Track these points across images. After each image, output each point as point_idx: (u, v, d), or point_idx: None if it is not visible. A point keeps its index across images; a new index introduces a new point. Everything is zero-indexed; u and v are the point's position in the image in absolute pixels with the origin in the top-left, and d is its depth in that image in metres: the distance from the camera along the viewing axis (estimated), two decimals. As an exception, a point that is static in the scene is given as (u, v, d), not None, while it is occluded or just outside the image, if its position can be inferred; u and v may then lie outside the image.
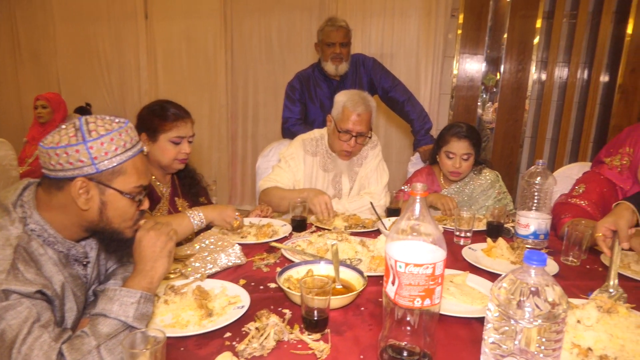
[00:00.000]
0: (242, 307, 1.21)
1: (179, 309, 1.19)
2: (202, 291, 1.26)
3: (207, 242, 1.59)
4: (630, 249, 1.53)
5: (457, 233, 1.83)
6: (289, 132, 2.75)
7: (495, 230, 1.88)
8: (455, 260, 1.65)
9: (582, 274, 1.60)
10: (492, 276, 1.49)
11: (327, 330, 1.12)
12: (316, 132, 2.37)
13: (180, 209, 1.90)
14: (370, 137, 2.24)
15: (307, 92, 2.84)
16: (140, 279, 1.04)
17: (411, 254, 0.89)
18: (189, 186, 1.98)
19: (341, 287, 1.32)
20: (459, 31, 3.87)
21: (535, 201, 1.81)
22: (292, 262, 1.48)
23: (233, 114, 4.83)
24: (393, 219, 1.92)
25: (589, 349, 1.05)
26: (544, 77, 3.99)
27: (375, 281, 1.42)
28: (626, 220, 1.40)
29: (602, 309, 1.11)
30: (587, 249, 1.69)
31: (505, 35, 3.82)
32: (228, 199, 5.05)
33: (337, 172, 2.30)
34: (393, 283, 0.92)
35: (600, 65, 3.74)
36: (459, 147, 2.18)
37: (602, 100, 3.85)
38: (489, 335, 0.83)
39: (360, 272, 1.35)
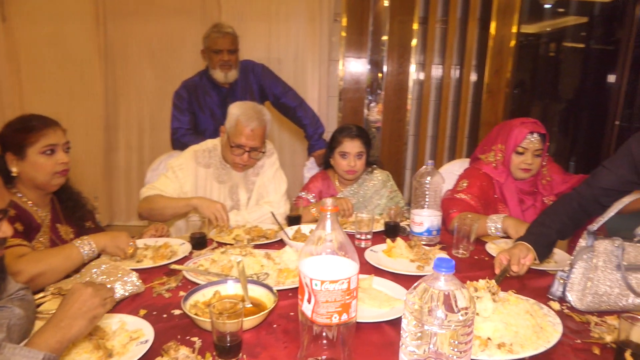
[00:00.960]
0: (146, 341, 1.12)
1: (72, 353, 1.07)
2: (98, 329, 1.14)
3: (97, 271, 1.45)
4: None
5: (358, 236, 1.87)
6: (179, 143, 2.62)
7: (392, 230, 1.96)
8: (359, 263, 1.69)
9: (472, 265, 1.72)
10: (395, 277, 1.54)
11: (242, 355, 1.08)
12: (209, 143, 2.29)
13: (64, 236, 1.72)
14: (264, 152, 2.22)
15: (196, 101, 2.73)
16: (50, 335, 0.92)
17: (326, 271, 0.88)
18: (72, 210, 1.80)
19: (251, 305, 1.28)
20: (343, 33, 3.98)
21: (427, 199, 1.91)
22: (196, 284, 1.41)
23: (113, 124, 4.50)
24: (295, 227, 1.92)
25: (488, 338, 1.13)
26: (422, 77, 4.25)
27: (285, 295, 1.39)
28: (519, 251, 1.57)
29: (496, 299, 1.20)
30: (474, 240, 1.83)
31: (386, 38, 4.02)
32: (111, 216, 4.70)
33: (233, 184, 2.24)
34: (309, 301, 0.90)
35: (470, 66, 4.09)
36: (352, 147, 2.25)
37: (473, 99, 4.21)
38: (405, 343, 0.85)
39: (269, 288, 1.32)
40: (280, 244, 1.84)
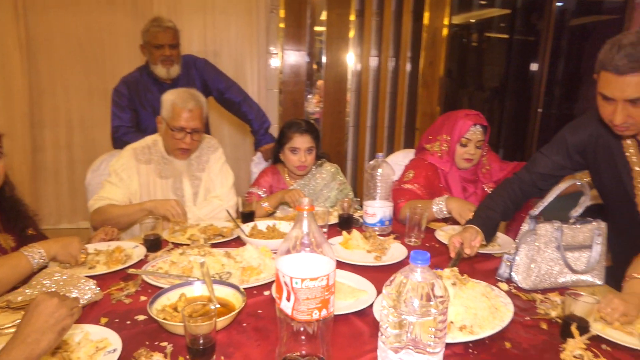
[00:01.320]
0: (114, 350, 1.08)
1: (37, 370, 1.02)
2: (61, 342, 1.10)
3: (48, 282, 1.38)
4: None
5: (314, 229, 1.90)
6: (120, 141, 2.52)
7: (346, 222, 2.01)
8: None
9: (425, 252, 1.80)
10: (355, 268, 1.59)
11: (215, 357, 1.08)
12: (148, 139, 2.22)
13: (3, 245, 1.61)
14: (204, 134, 2.20)
15: (137, 97, 2.63)
16: (18, 353, 0.86)
17: (305, 269, 0.90)
18: (11, 216, 1.69)
19: (219, 306, 1.28)
20: (281, 25, 3.97)
21: (379, 191, 1.97)
22: (158, 288, 1.38)
23: (38, 122, 4.21)
24: (251, 224, 1.92)
25: (451, 322, 1.20)
26: (360, 69, 4.33)
27: (250, 293, 1.40)
28: (469, 234, 1.66)
29: (458, 283, 1.28)
30: (424, 228, 1.91)
31: (324, 29, 4.05)
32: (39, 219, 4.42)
33: (176, 178, 2.19)
34: (288, 299, 0.92)
35: (405, 57, 4.21)
36: (302, 142, 2.27)
37: (409, 89, 4.35)
38: (385, 333, 0.89)
39: (236, 287, 1.32)
40: (238, 241, 1.83)
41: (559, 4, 4.49)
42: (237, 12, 4.09)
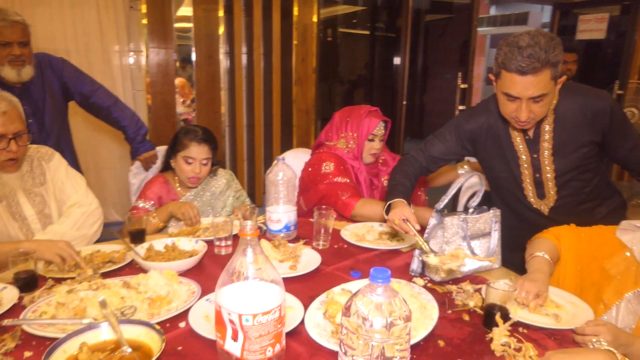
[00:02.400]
0: None
1: None
2: None
3: None
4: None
5: (217, 243, 1.76)
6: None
7: (250, 231, 1.89)
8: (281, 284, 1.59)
9: (336, 256, 1.76)
10: (272, 281, 1.50)
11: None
12: None
13: None
14: (32, 134, 1.87)
15: (-20, 105, 2.18)
16: None
17: (255, 303, 0.79)
18: None
19: (131, 350, 1.09)
20: (144, 21, 3.65)
21: (282, 195, 1.89)
22: (46, 339, 1.15)
23: None
24: (146, 244, 1.70)
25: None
26: (232, 67, 4.18)
27: (162, 327, 1.23)
28: (408, 208, 1.64)
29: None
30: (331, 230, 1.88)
31: (192, 26, 3.82)
32: None
33: (11, 198, 1.82)
34: (235, 338, 0.81)
35: (277, 54, 4.16)
36: (199, 152, 2.09)
37: (283, 86, 4.31)
38: (352, 356, 0.83)
39: (147, 324, 1.15)
40: (134, 267, 1.62)
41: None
42: (90, 6, 3.65)
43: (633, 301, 1.42)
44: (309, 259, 1.67)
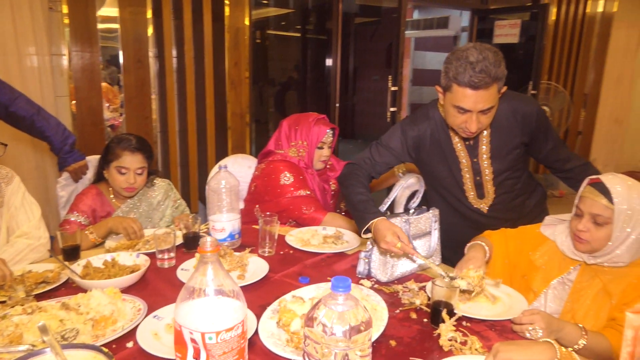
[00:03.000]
0: None
1: None
2: None
3: None
4: None
5: (160, 255, 1.70)
6: None
7: (193, 241, 1.85)
8: (173, 286, 1.55)
9: (283, 262, 1.77)
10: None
11: None
12: None
13: None
14: None
15: None
16: None
17: (217, 320, 0.78)
18: None
19: (78, 376, 1.04)
20: (66, 20, 3.44)
21: (225, 204, 1.87)
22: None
23: None
24: (83, 261, 1.61)
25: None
26: (162, 71, 4.05)
27: (109, 349, 1.18)
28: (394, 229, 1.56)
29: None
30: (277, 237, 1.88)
31: (118, 27, 3.66)
32: None
33: None
34: (197, 358, 0.79)
35: (210, 58, 4.08)
36: (133, 161, 2.01)
37: (216, 91, 4.23)
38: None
39: (94, 348, 1.09)
40: (70, 286, 1.53)
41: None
42: (3, 5, 3.39)
43: (558, 287, 1.54)
44: (256, 267, 1.67)
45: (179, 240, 1.87)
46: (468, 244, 1.69)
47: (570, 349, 1.06)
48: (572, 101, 6.15)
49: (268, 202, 2.21)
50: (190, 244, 1.85)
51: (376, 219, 1.58)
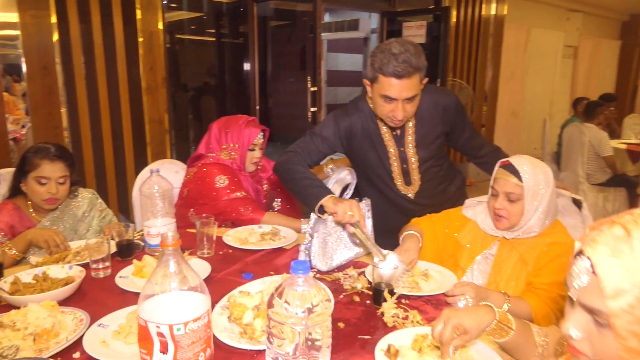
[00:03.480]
0: None
1: None
2: None
3: None
4: None
5: (94, 265, 1.64)
6: None
7: (128, 249, 1.80)
8: (113, 294, 1.51)
9: (223, 261, 1.77)
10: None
11: None
12: None
13: None
14: None
15: None
16: None
17: (183, 311, 0.80)
18: None
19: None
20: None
21: (159, 208, 1.84)
22: None
23: None
24: (9, 278, 1.52)
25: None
26: (71, 78, 3.84)
27: (56, 361, 1.14)
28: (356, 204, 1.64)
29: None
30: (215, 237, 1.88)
31: (19, 33, 3.42)
32: None
33: None
34: (165, 351, 0.81)
35: (123, 64, 3.94)
36: (53, 170, 1.90)
37: (132, 97, 4.09)
38: (277, 350, 0.88)
39: (41, 361, 1.06)
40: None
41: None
42: None
43: (482, 262, 1.70)
44: (197, 268, 1.63)
45: (112, 249, 1.81)
46: (402, 234, 1.79)
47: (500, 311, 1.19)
48: (474, 97, 6.64)
49: (203, 205, 2.20)
50: (125, 252, 1.80)
51: (329, 195, 1.66)
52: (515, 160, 1.59)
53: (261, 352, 1.16)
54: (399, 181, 1.99)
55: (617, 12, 10.16)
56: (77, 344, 1.20)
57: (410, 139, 1.91)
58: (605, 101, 5.36)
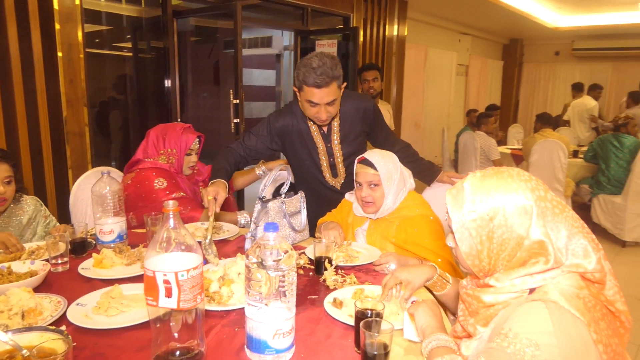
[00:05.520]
0: None
1: None
2: None
3: None
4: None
5: (53, 261, 1.76)
6: None
7: (81, 247, 1.92)
8: (81, 282, 1.65)
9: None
10: (132, 279, 1.64)
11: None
12: None
13: None
14: None
15: None
16: None
17: (184, 262, 1.03)
18: None
19: (27, 353, 1.14)
20: None
21: (111, 207, 1.98)
22: None
23: None
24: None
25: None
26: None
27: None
28: (225, 190, 1.98)
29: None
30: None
31: None
32: None
33: None
34: (170, 295, 1.02)
35: (42, 77, 3.90)
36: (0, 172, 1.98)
37: (51, 111, 4.05)
38: (253, 290, 1.12)
39: (43, 328, 1.19)
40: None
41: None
42: None
43: (360, 236, 2.08)
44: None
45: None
46: (321, 224, 2.12)
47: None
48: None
49: (142, 207, 2.34)
50: (79, 249, 1.92)
51: (216, 180, 2.00)
52: (369, 154, 1.96)
53: (229, 312, 1.40)
54: (327, 174, 2.31)
55: (499, 35, 11.50)
56: (62, 320, 1.35)
57: (335, 136, 2.25)
58: (491, 110, 6.20)
